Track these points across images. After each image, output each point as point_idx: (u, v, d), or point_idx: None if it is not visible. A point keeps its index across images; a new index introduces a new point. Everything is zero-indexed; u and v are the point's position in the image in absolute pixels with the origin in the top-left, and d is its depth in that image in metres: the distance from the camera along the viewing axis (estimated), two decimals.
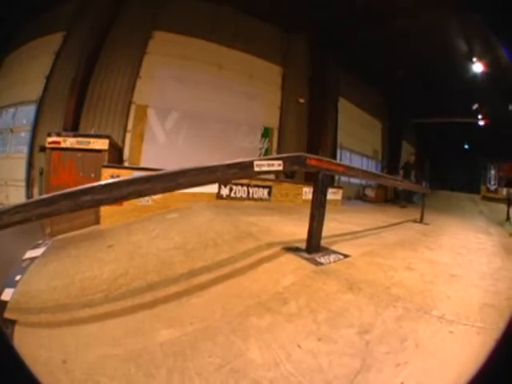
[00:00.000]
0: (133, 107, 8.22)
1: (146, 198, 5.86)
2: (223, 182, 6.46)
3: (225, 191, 7.01)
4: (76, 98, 7.57)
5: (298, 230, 3.79)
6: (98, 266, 3.54)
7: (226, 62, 9.19)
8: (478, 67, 9.37)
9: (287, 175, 8.49)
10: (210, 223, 4.73)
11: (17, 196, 7.25)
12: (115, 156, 7.02)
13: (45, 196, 2.09)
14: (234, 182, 7.00)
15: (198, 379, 1.65)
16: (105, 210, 5.63)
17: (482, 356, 1.30)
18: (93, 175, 5.74)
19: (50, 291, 3.07)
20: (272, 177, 7.99)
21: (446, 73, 9.90)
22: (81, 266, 3.63)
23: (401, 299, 2.22)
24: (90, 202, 2.11)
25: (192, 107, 8.75)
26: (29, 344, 2.20)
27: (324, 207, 3.30)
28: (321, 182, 3.26)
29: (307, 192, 7.98)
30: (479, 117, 12.27)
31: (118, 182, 2.25)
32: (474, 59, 9.25)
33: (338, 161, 4.47)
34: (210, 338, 2.00)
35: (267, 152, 9.69)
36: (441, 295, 2.35)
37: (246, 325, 2.09)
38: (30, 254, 4.68)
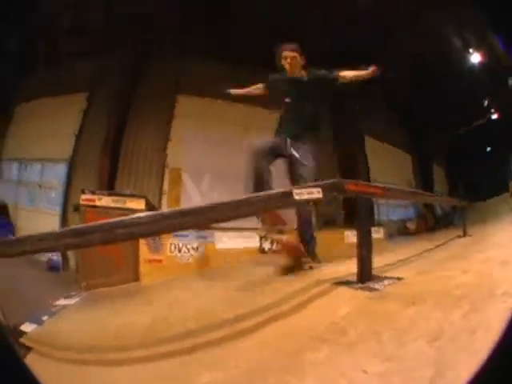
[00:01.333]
0: (167, 170, 8.30)
1: (187, 256, 5.73)
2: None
3: (266, 245, 6.77)
4: (109, 158, 7.76)
5: (345, 267, 3.58)
6: (135, 316, 3.41)
7: (252, 121, 9.25)
8: (476, 58, 8.89)
9: (329, 220, 8.22)
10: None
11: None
12: None
13: (77, 226, 2.02)
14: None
15: None
16: (144, 267, 5.54)
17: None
18: None
19: (79, 332, 3.00)
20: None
21: (453, 76, 9.40)
22: (116, 317, 3.50)
23: (464, 297, 2.14)
24: (124, 234, 2.01)
25: (223, 169, 8.73)
26: (49, 375, 1.96)
27: (370, 233, 3.13)
28: (362, 208, 3.09)
29: (349, 235, 7.67)
30: (492, 111, 11.67)
31: (154, 214, 2.17)
32: (471, 50, 8.79)
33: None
34: (259, 379, 1.77)
35: None
36: (500, 279, 2.28)
37: (300, 361, 1.84)
38: (62, 301, 4.60)
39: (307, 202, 2.88)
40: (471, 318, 1.79)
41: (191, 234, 5.64)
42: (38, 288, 5.18)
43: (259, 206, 2.56)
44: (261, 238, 6.36)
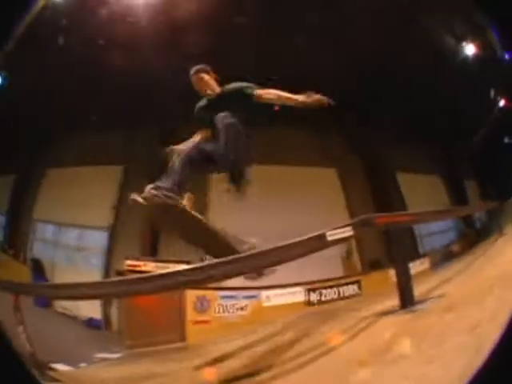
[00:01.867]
0: None
1: (234, 316, 5.81)
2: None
3: (314, 297, 6.73)
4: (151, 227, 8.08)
5: (390, 302, 3.67)
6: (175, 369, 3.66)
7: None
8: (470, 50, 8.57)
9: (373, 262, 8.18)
10: None
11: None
12: None
13: (137, 276, 2.30)
14: (322, 285, 6.76)
15: None
16: (190, 327, 5.67)
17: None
18: (175, 296, 5.82)
19: (112, 379, 3.33)
20: (358, 267, 7.70)
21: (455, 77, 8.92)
22: (156, 368, 3.76)
23: (495, 284, 2.47)
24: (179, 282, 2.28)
25: (268, 232, 8.64)
26: None
27: (406, 261, 3.25)
28: (396, 238, 3.25)
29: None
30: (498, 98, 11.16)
31: (203, 265, 2.43)
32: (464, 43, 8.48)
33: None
34: None
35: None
36: None
37: (348, 381, 2.13)
38: (102, 355, 4.71)
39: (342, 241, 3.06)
40: (502, 297, 2.12)
41: (238, 294, 5.79)
42: (78, 341, 5.43)
43: (293, 252, 2.84)
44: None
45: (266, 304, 5.68)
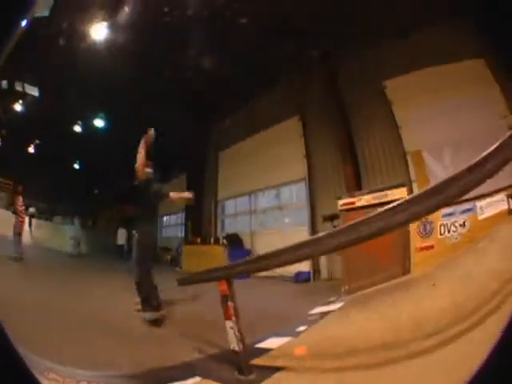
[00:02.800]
0: (408, 157, 8.01)
1: (455, 235, 5.45)
2: None
3: None
4: (350, 163, 8.34)
5: None
6: (403, 314, 3.29)
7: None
8: None
9: None
10: None
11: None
12: None
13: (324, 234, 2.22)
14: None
15: None
16: (415, 256, 5.52)
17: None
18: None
19: (340, 338, 3.09)
20: None
21: None
22: (380, 318, 3.42)
23: None
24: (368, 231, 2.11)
25: (461, 136, 7.77)
26: None
27: None
28: None
29: None
30: None
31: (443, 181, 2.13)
32: None
33: None
34: None
35: None
36: None
37: None
38: (319, 309, 4.69)
39: None
40: None
41: (456, 209, 5.43)
42: (287, 302, 5.68)
43: None
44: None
45: (480, 217, 5.39)
